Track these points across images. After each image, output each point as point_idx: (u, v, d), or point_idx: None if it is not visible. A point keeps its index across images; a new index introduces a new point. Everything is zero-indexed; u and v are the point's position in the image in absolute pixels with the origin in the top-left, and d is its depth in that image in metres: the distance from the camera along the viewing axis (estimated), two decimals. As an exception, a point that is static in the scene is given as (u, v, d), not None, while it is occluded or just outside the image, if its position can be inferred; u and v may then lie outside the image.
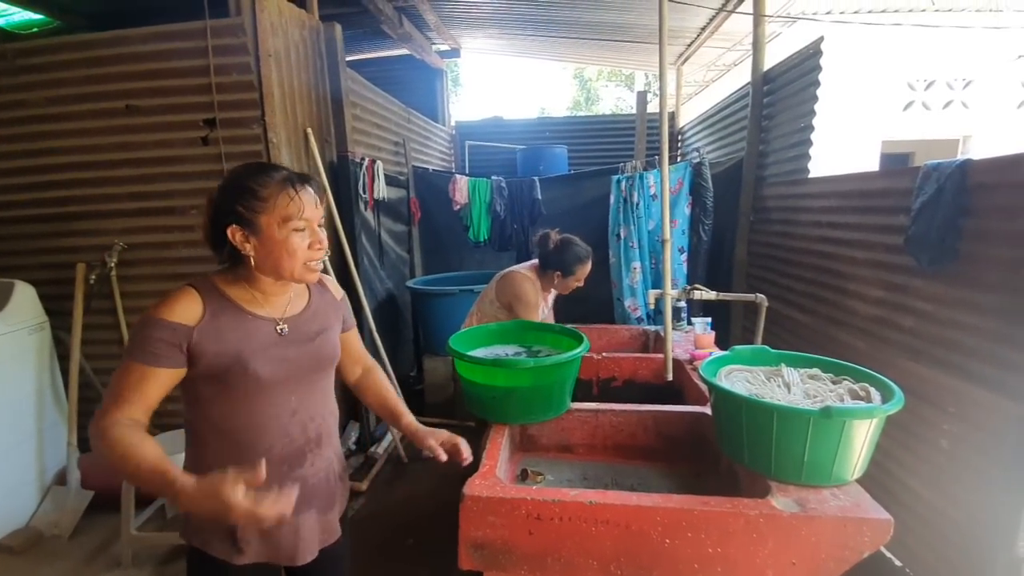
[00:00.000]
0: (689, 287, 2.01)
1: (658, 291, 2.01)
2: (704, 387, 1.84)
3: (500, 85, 26.09)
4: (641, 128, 4.24)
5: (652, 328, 2.78)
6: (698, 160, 3.31)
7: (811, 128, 3.13)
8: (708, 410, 1.66)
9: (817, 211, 2.99)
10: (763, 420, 1.23)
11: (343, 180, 2.98)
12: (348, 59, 5.99)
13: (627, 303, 3.34)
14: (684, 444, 1.68)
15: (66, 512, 2.54)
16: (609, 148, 6.10)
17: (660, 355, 2.24)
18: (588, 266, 2.36)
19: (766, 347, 1.59)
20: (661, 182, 1.90)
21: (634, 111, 6.01)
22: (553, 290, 2.49)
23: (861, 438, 1.18)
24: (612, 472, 1.65)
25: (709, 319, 2.18)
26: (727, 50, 5.68)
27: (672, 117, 6.22)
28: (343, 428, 3.24)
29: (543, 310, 2.48)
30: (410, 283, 3.66)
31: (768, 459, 1.25)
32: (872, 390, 1.30)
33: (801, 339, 3.03)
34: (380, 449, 3.11)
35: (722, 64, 7.12)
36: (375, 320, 3.48)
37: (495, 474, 1.31)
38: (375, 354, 3.14)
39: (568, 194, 4.14)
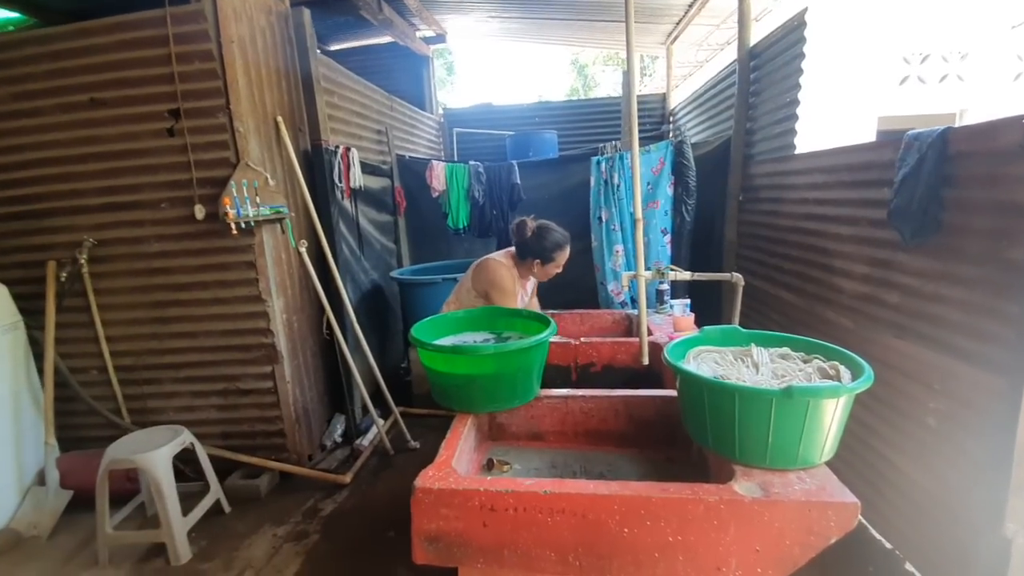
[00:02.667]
0: (662, 267, 1.94)
1: (632, 273, 1.95)
2: None
3: (496, 75, 25.83)
4: (627, 109, 4.15)
5: (635, 312, 2.72)
6: (679, 139, 3.22)
7: (797, 103, 3.04)
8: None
9: (803, 188, 2.92)
10: (725, 403, 1.18)
11: (318, 169, 2.91)
12: (331, 48, 5.89)
13: (610, 287, 3.28)
14: (655, 428, 1.63)
15: (45, 512, 2.52)
16: (601, 132, 5.99)
17: (638, 339, 2.19)
18: (567, 251, 2.31)
19: (737, 327, 1.53)
20: (631, 159, 1.83)
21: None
22: (532, 277, 2.45)
23: (828, 418, 1.12)
24: (582, 459, 1.60)
25: (688, 301, 2.12)
26: (716, 27, 5.55)
27: (663, 98, 6.12)
28: (328, 421, 3.21)
29: (522, 297, 2.43)
30: (394, 273, 3.61)
31: (732, 443, 1.20)
32: (842, 368, 1.25)
33: (790, 319, 2.97)
34: (365, 441, 3.08)
35: (713, 43, 6.99)
36: (360, 313, 3.43)
37: (450, 465, 1.26)
38: (356, 350, 3.09)
39: (551, 179, 4.07)
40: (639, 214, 1.82)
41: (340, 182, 2.96)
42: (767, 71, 3.42)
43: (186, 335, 2.69)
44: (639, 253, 1.83)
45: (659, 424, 1.63)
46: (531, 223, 2.24)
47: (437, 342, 1.74)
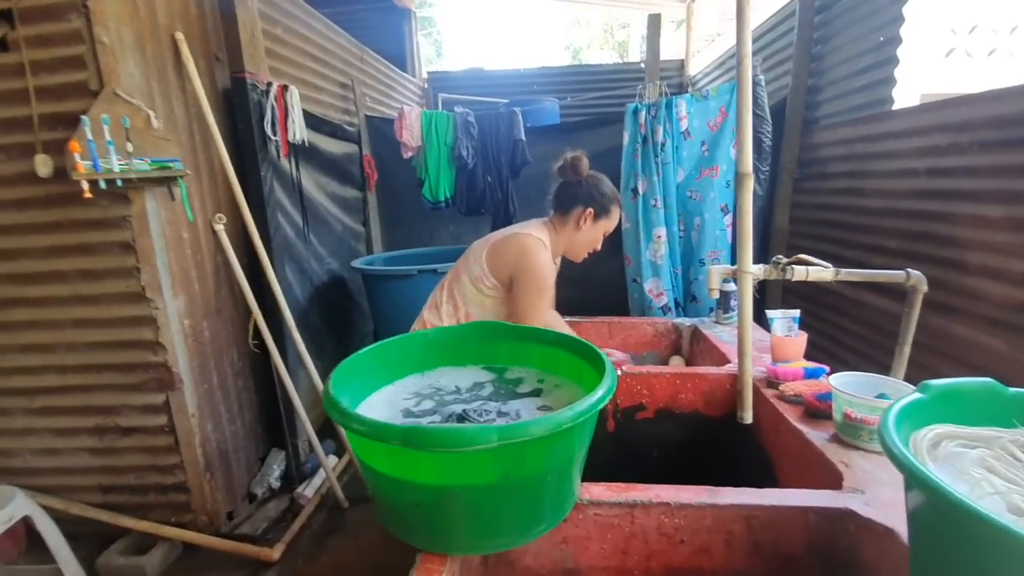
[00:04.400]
0: (781, 260, 1.16)
1: (726, 268, 1.17)
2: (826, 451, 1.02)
3: (485, 59, 24.79)
4: (653, 64, 3.35)
5: (686, 322, 1.95)
6: (752, 78, 2.40)
7: (898, 40, 2.27)
8: (860, 505, 0.83)
9: (909, 155, 2.16)
10: None
11: (241, 113, 2.07)
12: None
13: (647, 286, 2.45)
14: (805, 568, 0.86)
15: None
16: (609, 103, 5.19)
17: (714, 370, 1.41)
18: (619, 213, 1.67)
19: (992, 381, 0.76)
20: (739, 69, 1.04)
21: (637, 61, 5.07)
22: (559, 257, 1.72)
23: None
24: (665, 632, 0.82)
25: (796, 313, 1.35)
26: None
27: (682, 65, 5.33)
28: (262, 460, 2.40)
29: None
30: (357, 262, 2.78)
31: None
32: None
33: (880, 332, 2.22)
34: (308, 491, 2.27)
35: (731, 13, 6.21)
36: (310, 313, 2.62)
37: None
38: (296, 368, 2.29)
39: (555, 150, 3.24)
40: (747, 166, 1.04)
41: (275, 135, 2.12)
42: (844, 7, 2.64)
43: (39, 349, 1.85)
44: (744, 231, 1.05)
45: (813, 558, 0.85)
46: (585, 159, 1.62)
47: (373, 403, 0.94)
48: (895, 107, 2.33)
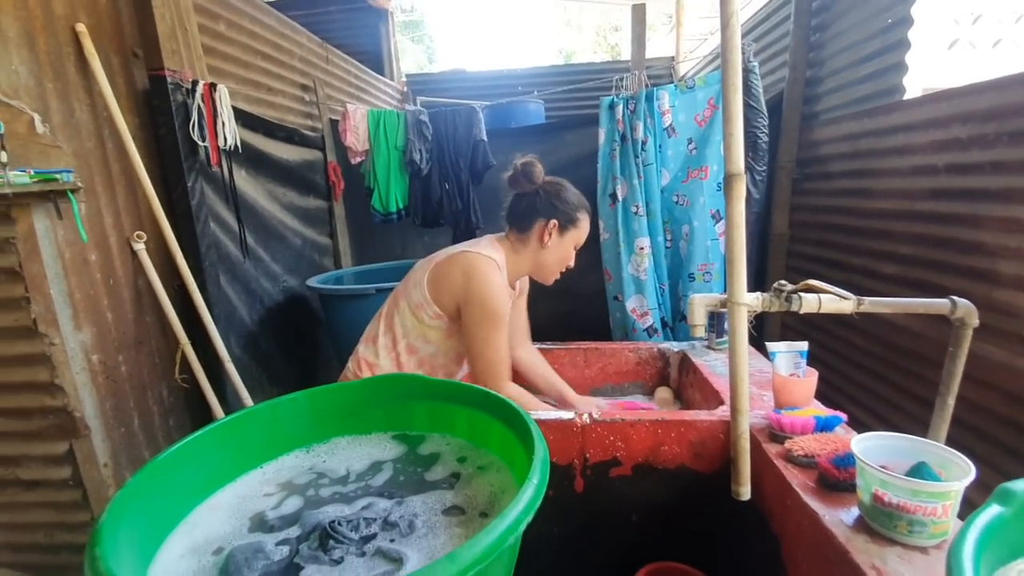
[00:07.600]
0: (785, 287, 0.90)
1: (712, 297, 0.92)
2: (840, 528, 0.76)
3: (477, 64, 24.59)
4: (638, 56, 3.10)
5: (674, 347, 1.69)
6: (743, 64, 2.15)
7: (909, 21, 2.03)
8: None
9: (925, 150, 1.90)
10: None
11: (162, 116, 1.82)
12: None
13: (630, 304, 2.17)
14: None
15: None
16: (595, 103, 4.95)
17: (704, 415, 1.16)
18: (588, 222, 1.44)
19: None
20: (725, 37, 0.79)
21: (626, 60, 4.83)
22: (521, 281, 1.48)
23: None
24: None
25: (804, 346, 1.09)
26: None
27: (671, 63, 5.09)
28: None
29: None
30: (313, 281, 2.52)
31: None
32: None
33: (896, 351, 1.96)
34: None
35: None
36: (257, 340, 2.36)
37: None
38: (235, 404, 2.03)
39: (537, 152, 3.02)
40: (738, 165, 0.79)
41: (203, 140, 1.87)
42: (846, -13, 2.40)
43: (-79, 393, 1.60)
44: (735, 249, 0.80)
45: None
46: (539, 164, 1.39)
47: (216, 506, 0.68)
48: (906, 96, 2.08)
